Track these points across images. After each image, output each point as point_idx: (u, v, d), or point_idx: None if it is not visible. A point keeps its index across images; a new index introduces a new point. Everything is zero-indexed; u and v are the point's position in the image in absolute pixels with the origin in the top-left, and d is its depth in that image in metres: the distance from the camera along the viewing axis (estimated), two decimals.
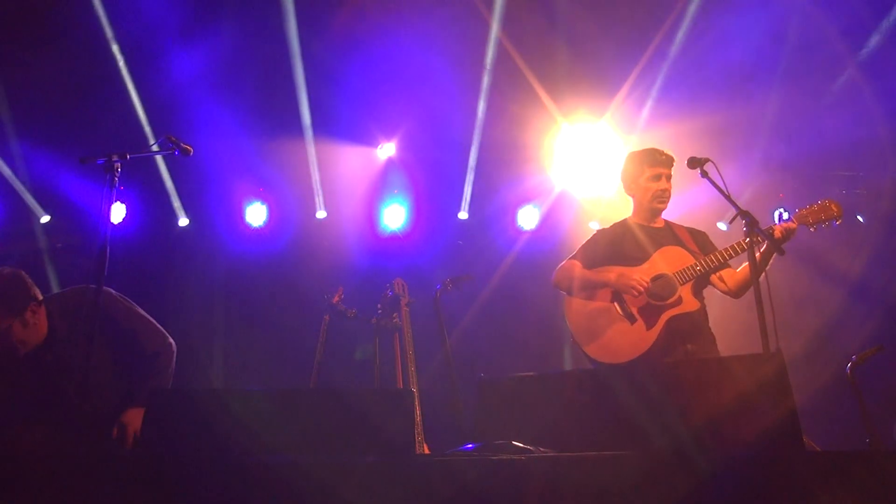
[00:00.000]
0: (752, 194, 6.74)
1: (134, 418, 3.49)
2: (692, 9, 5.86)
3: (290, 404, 2.54)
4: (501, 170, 7.15)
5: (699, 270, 3.75)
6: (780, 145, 6.69)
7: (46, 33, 5.92)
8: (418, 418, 4.76)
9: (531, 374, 2.84)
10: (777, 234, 3.58)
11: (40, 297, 3.51)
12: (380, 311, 5.37)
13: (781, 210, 7.01)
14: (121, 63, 6.23)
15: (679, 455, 2.16)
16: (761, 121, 6.52)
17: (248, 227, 7.13)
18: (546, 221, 7.20)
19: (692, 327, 3.76)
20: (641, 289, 3.71)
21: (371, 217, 7.25)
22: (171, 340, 3.72)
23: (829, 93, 6.38)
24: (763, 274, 3.52)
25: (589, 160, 6.75)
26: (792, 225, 3.64)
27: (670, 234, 3.98)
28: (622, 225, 4.05)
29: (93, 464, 2.25)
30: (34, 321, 3.46)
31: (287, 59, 6.26)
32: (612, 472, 2.09)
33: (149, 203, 7.09)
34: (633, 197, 4.07)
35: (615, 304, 3.83)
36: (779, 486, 2.05)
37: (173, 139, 3.42)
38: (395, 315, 5.28)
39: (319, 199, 7.26)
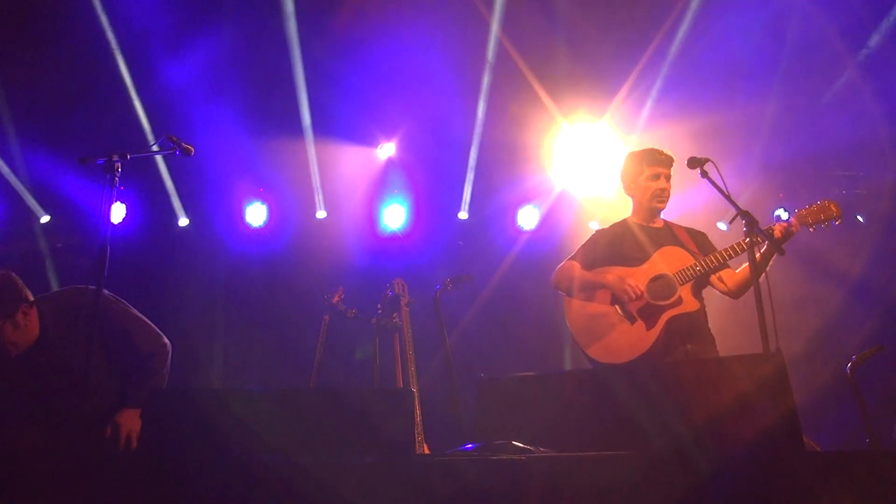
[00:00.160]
0: (751, 194, 6.73)
1: (128, 418, 3.50)
2: (692, 9, 5.86)
3: (290, 404, 2.53)
4: (501, 170, 7.14)
5: (699, 271, 3.75)
6: (780, 145, 6.68)
7: (46, 33, 5.91)
8: (418, 418, 4.76)
9: (531, 374, 2.84)
10: (777, 234, 3.58)
11: (31, 298, 3.49)
12: (380, 311, 5.37)
13: (781, 210, 7.01)
14: (121, 63, 6.23)
15: (679, 455, 2.16)
16: (761, 121, 6.51)
17: (248, 227, 7.13)
18: (546, 221, 7.20)
19: (692, 327, 3.76)
20: (633, 296, 3.71)
21: (371, 217, 7.24)
22: (166, 340, 3.72)
23: (829, 93, 6.38)
24: (763, 274, 3.52)
25: (589, 160, 6.75)
26: (792, 226, 3.64)
27: (670, 235, 3.98)
28: (621, 225, 4.05)
29: (92, 464, 2.25)
30: (25, 322, 3.43)
31: (287, 59, 6.25)
32: (612, 472, 2.09)
33: (149, 203, 7.09)
34: (632, 197, 4.07)
35: (615, 304, 3.83)
36: (779, 486, 2.05)
37: (174, 139, 3.41)
38: (395, 315, 5.29)
39: (319, 199, 7.25)
